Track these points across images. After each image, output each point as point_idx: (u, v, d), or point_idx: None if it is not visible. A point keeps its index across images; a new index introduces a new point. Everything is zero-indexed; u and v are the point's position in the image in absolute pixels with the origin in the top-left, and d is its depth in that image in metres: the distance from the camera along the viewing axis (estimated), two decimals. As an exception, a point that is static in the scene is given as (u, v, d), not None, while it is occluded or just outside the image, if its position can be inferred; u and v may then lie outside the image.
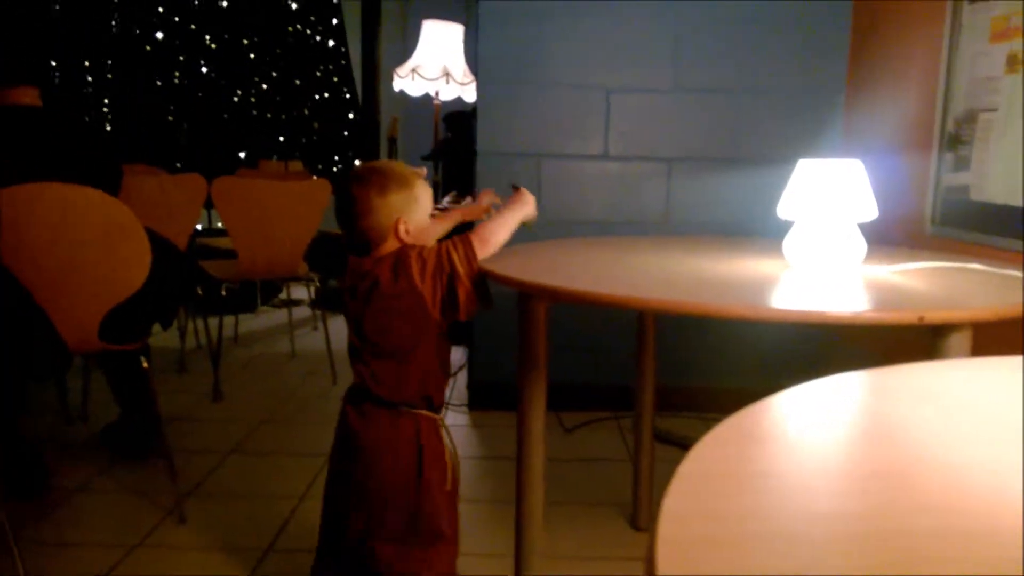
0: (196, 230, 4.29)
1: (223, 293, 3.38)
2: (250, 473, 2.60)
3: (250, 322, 4.82)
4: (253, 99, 6.61)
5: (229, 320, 4.43)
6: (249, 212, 3.32)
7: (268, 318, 4.99)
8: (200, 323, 3.97)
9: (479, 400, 3.24)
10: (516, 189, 1.72)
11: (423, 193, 1.62)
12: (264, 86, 6.60)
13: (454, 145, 4.80)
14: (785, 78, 3.07)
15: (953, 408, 0.74)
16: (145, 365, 2.36)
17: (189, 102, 6.41)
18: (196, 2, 6.38)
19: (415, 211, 1.59)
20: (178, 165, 6.03)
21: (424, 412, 1.62)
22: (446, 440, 1.64)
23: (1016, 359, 0.92)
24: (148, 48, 6.35)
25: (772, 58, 3.06)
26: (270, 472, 2.61)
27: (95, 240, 2.05)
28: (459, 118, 4.84)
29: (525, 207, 1.70)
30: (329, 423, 3.04)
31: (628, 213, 3.14)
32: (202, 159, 6.01)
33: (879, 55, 2.86)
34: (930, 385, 0.82)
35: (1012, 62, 2.09)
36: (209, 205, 3.50)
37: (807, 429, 0.68)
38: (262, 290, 5.13)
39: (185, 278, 2.77)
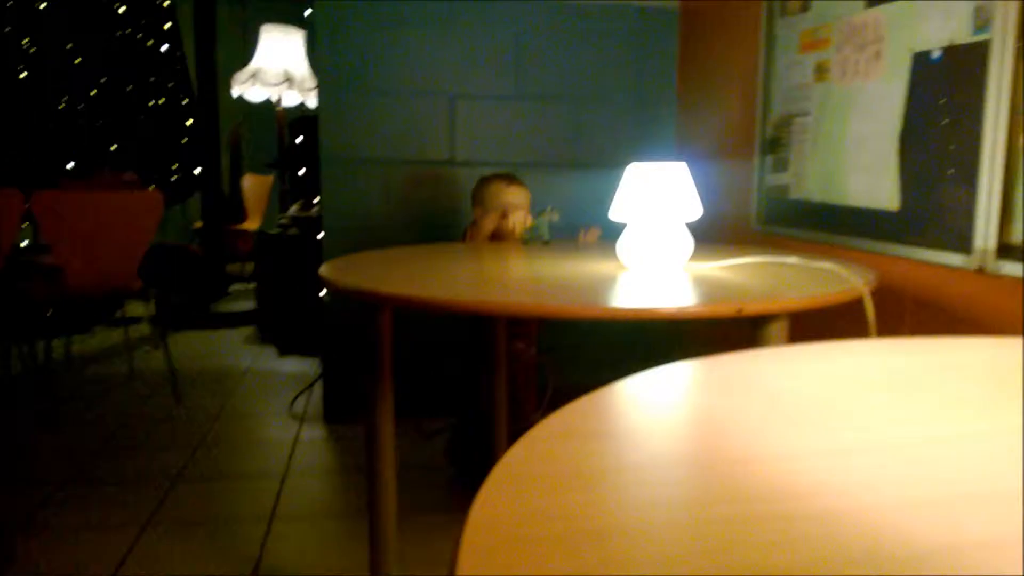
0: (19, 247, 3.97)
1: (48, 313, 3.14)
2: (89, 504, 2.43)
3: (86, 343, 4.51)
4: (81, 107, 6.18)
5: (60, 342, 4.13)
6: (73, 227, 3.10)
7: (105, 338, 4.69)
8: (26, 347, 3.67)
9: (335, 413, 3.18)
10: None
11: (486, 198, 2.43)
12: (92, 93, 6.19)
13: (302, 152, 4.68)
14: (621, 86, 3.20)
15: (765, 395, 0.79)
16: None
17: (7, 111, 5.92)
18: (10, 4, 5.90)
19: (481, 207, 2.45)
20: (4, 179, 5.55)
21: None
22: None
23: (825, 345, 0.99)
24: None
25: (609, 66, 3.18)
26: (111, 502, 2.45)
27: None
28: (307, 124, 4.72)
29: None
30: (173, 447, 2.91)
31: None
32: (25, 172, 5.56)
33: (704, 64, 3.03)
34: (744, 373, 0.87)
35: (820, 71, 2.27)
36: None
37: (624, 423, 0.71)
38: (99, 308, 4.81)
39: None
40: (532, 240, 2.18)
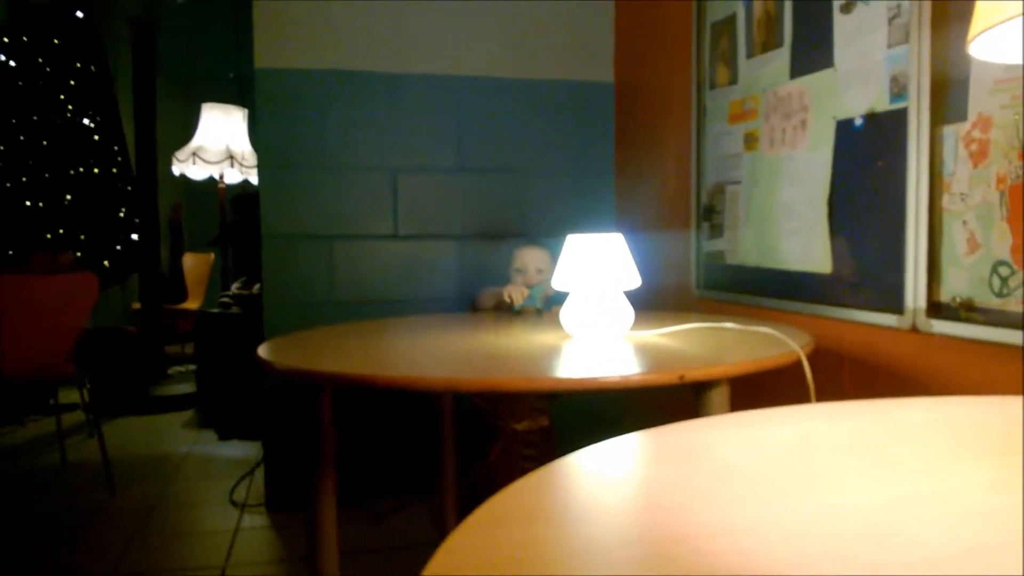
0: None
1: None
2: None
3: (16, 434, 4.30)
4: (16, 189, 6.05)
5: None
6: (2, 312, 2.99)
7: (36, 427, 4.48)
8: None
9: (278, 499, 3.06)
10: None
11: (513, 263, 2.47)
12: (26, 177, 6.07)
13: (243, 229, 4.63)
14: (562, 158, 3.25)
15: (713, 466, 0.78)
16: None
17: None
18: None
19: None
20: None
21: None
22: None
23: (768, 412, 0.99)
24: None
25: (549, 139, 3.24)
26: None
27: None
28: (247, 201, 4.69)
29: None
30: (107, 542, 2.76)
31: (422, 290, 3.15)
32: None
33: (640, 136, 3.10)
34: (690, 444, 0.86)
35: (750, 140, 2.34)
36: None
37: (569, 503, 0.69)
38: (30, 396, 4.61)
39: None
40: (525, 309, 2.22)
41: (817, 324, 1.99)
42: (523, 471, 2.24)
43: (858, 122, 1.89)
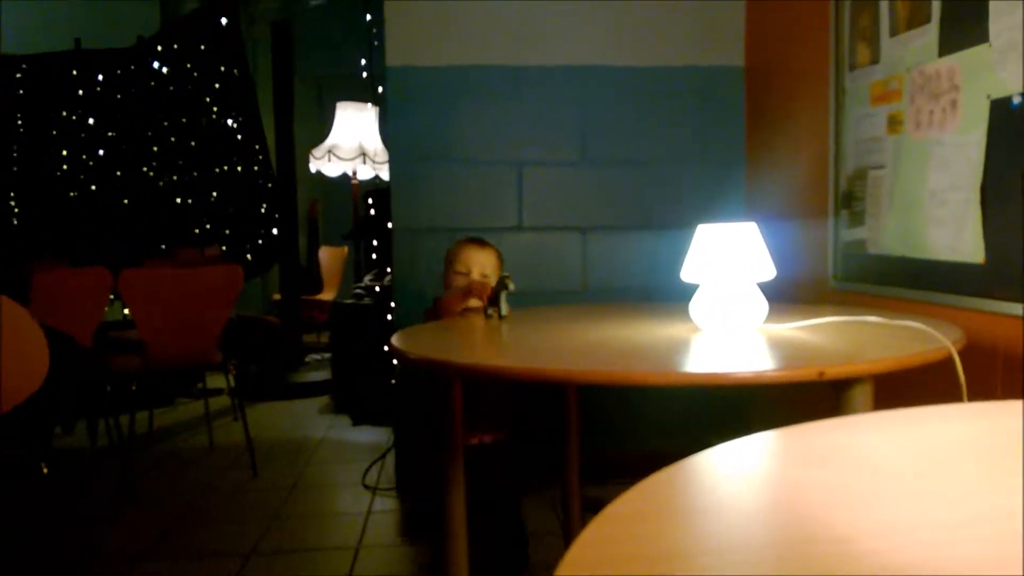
0: (107, 323, 4.14)
1: (132, 387, 3.24)
2: (164, 578, 2.46)
3: (167, 416, 4.63)
4: (166, 187, 6.50)
5: (144, 415, 4.24)
6: (156, 302, 3.22)
7: (186, 410, 4.81)
8: (112, 421, 3.79)
9: (409, 483, 3.16)
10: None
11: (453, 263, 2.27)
12: (174, 178, 6.50)
13: (375, 223, 4.79)
14: (688, 146, 3.18)
15: (857, 467, 0.74)
16: (45, 471, 2.23)
17: (99, 193, 6.26)
18: (99, 90, 6.30)
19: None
20: (95, 259, 5.82)
21: None
22: None
23: (916, 411, 0.94)
24: (58, 145, 6.21)
25: (675, 127, 3.17)
26: (185, 576, 2.47)
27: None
28: (380, 196, 4.85)
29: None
30: (249, 520, 2.93)
31: (546, 282, 3.16)
32: (112, 250, 5.83)
33: (773, 121, 2.99)
34: (833, 443, 0.82)
35: (893, 123, 2.21)
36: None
37: (708, 500, 0.67)
38: (180, 381, 4.95)
39: (87, 375, 2.65)
40: (492, 315, 2.01)
41: (966, 318, 1.86)
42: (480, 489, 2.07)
43: (1017, 100, 1.75)
